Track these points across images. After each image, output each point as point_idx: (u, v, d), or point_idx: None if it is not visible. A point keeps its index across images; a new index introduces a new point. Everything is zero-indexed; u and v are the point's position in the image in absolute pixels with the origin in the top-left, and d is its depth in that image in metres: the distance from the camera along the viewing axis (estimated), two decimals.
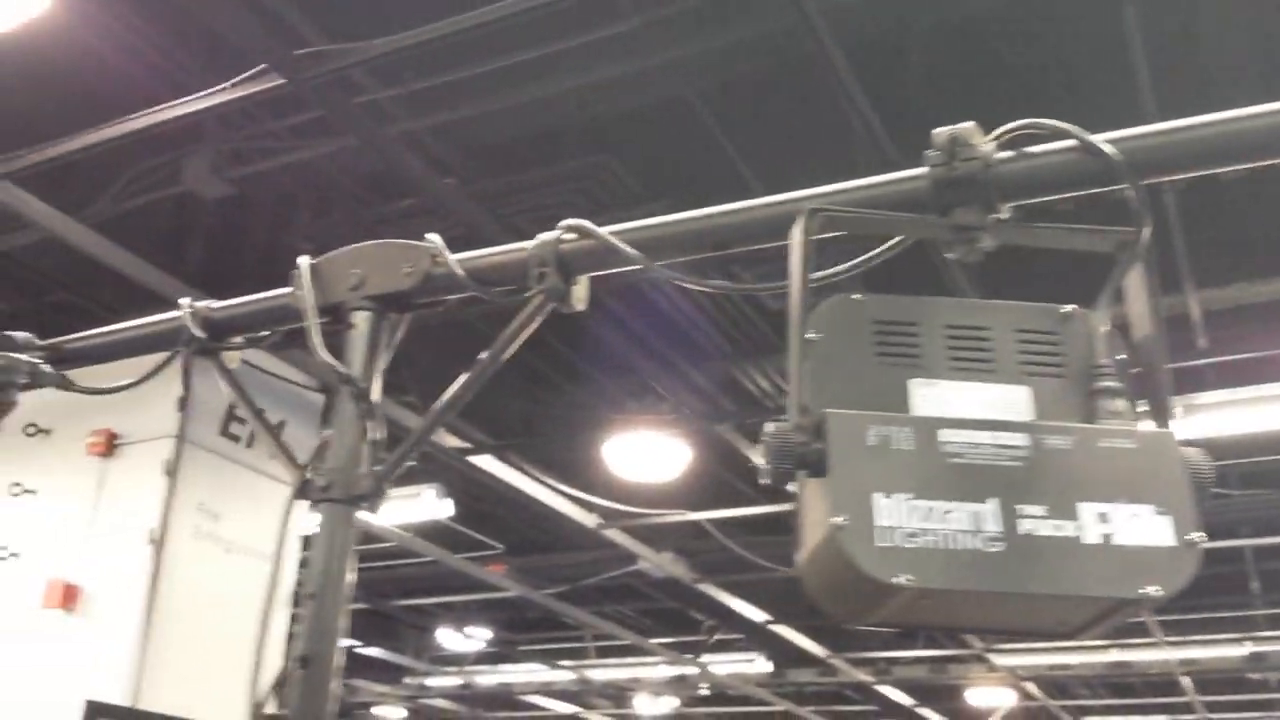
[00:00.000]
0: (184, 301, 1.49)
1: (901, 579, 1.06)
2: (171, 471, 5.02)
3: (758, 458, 1.09)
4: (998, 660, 11.63)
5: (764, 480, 1.09)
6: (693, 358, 5.83)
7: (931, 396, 1.23)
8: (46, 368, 1.54)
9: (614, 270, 1.36)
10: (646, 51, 3.90)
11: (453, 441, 6.57)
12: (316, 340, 1.35)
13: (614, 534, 8.04)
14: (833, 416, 1.15)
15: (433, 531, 8.21)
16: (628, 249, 1.33)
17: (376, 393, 1.37)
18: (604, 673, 13.21)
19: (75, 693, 4.36)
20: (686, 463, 6.76)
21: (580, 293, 1.36)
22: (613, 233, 1.33)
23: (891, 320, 1.27)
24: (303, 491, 1.33)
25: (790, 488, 1.14)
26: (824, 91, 3.85)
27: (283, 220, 4.92)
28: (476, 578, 9.19)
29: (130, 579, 4.89)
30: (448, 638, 11.38)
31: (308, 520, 5.16)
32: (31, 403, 5.55)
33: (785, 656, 11.79)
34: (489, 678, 13.42)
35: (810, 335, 1.19)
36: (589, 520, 7.82)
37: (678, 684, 13.15)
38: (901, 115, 3.97)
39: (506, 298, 1.39)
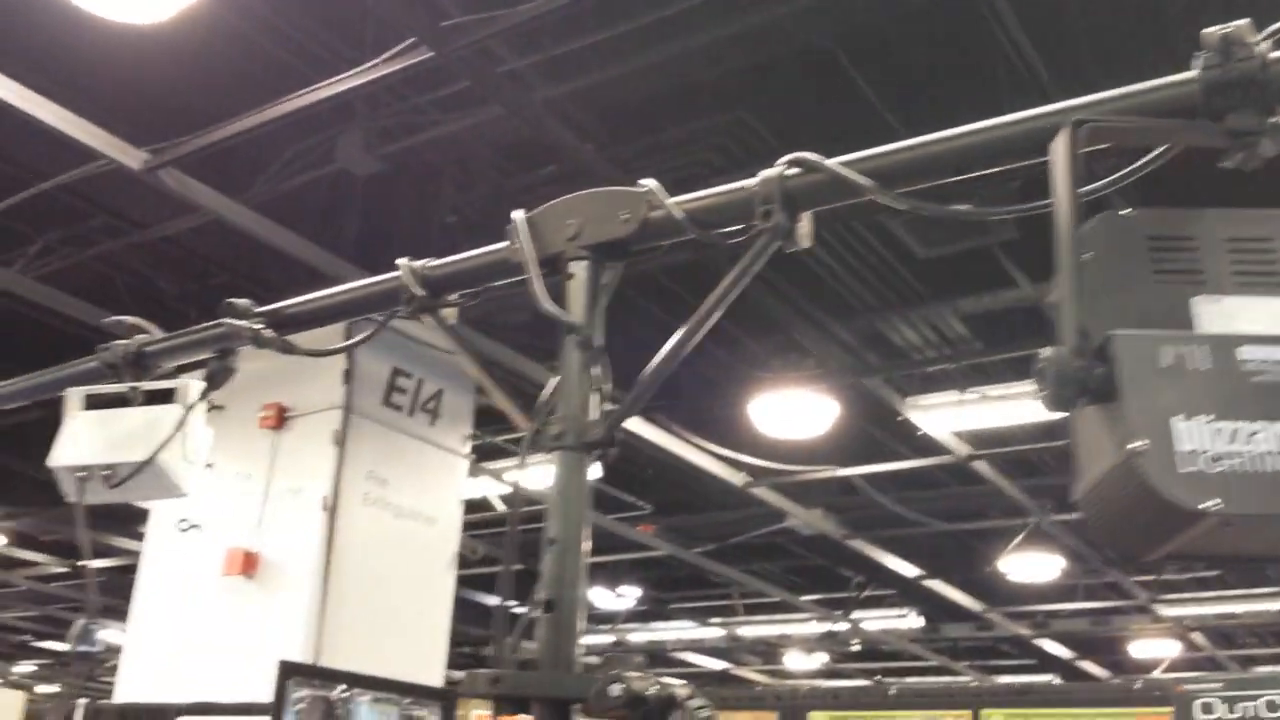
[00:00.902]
0: (402, 261, 1.53)
1: (1209, 505, 1.01)
2: (340, 441, 5.24)
3: (1038, 383, 1.05)
4: (1163, 610, 11.24)
5: (1045, 405, 1.06)
6: (837, 312, 5.75)
7: (1218, 313, 1.15)
8: (268, 333, 1.61)
9: (843, 203, 1.33)
10: (778, 1, 3.83)
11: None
12: (539, 291, 1.38)
13: (761, 492, 8.04)
14: (1121, 338, 1.08)
15: None
16: (859, 178, 1.29)
17: (600, 340, 1.40)
18: (753, 629, 13.27)
19: (260, 654, 4.60)
20: (834, 419, 6.70)
21: (805, 229, 1.34)
22: (841, 164, 1.31)
23: (1168, 235, 1.19)
24: (535, 442, 1.36)
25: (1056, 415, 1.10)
26: (974, 31, 3.73)
27: (429, 194, 5.03)
28: (626, 537, 9.32)
29: (306, 545, 5.13)
30: (600, 596, 11.60)
31: (467, 486, 5.29)
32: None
33: (938, 611, 11.63)
34: (640, 635, 13.64)
35: (1083, 255, 1.13)
36: (736, 479, 7.83)
37: (828, 640, 13.12)
38: (1056, 52, 3.82)
39: (726, 240, 1.39)
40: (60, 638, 15.31)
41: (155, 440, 1.49)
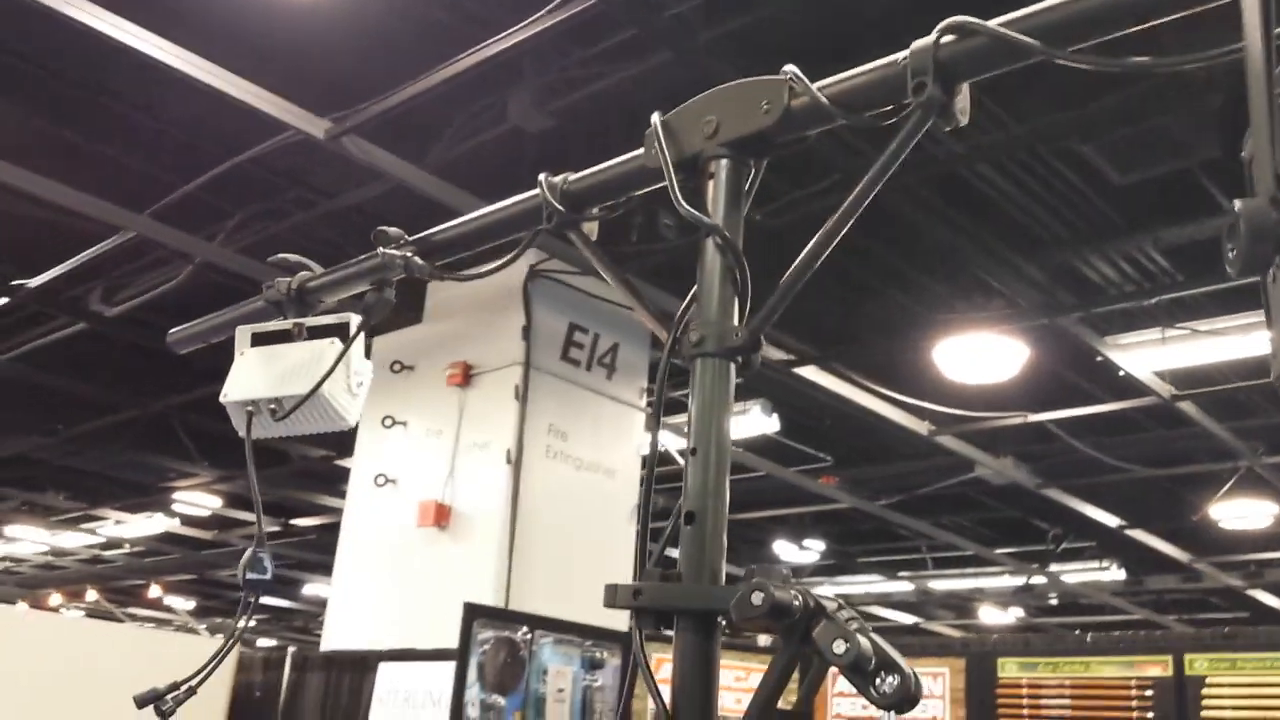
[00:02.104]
0: (542, 177, 1.51)
1: None
2: (521, 396, 5.36)
3: (1229, 242, 0.93)
4: None
5: (1231, 270, 0.94)
6: (1026, 248, 5.48)
7: None
8: (419, 260, 1.61)
9: (1005, 69, 1.22)
10: None
11: (776, 354, 6.58)
12: (678, 195, 1.33)
13: (947, 440, 7.81)
14: None
15: (762, 446, 8.31)
16: (1023, 38, 1.17)
17: (740, 240, 1.34)
18: (944, 584, 12.97)
19: (453, 601, 4.77)
20: (1023, 362, 6.42)
21: (963, 103, 1.23)
22: (1001, 24, 1.20)
23: None
24: (675, 350, 1.31)
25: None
26: None
27: (600, 147, 5.04)
28: (808, 490, 9.24)
29: (493, 496, 5.29)
30: (784, 550, 11.56)
31: (645, 440, 5.33)
32: (396, 341, 6.06)
33: (1142, 563, 11.09)
34: (827, 589, 13.52)
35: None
36: (920, 428, 7.63)
37: (1023, 594, 12.70)
38: None
39: (878, 122, 1.29)
40: (274, 594, 16.36)
41: (318, 373, 1.53)
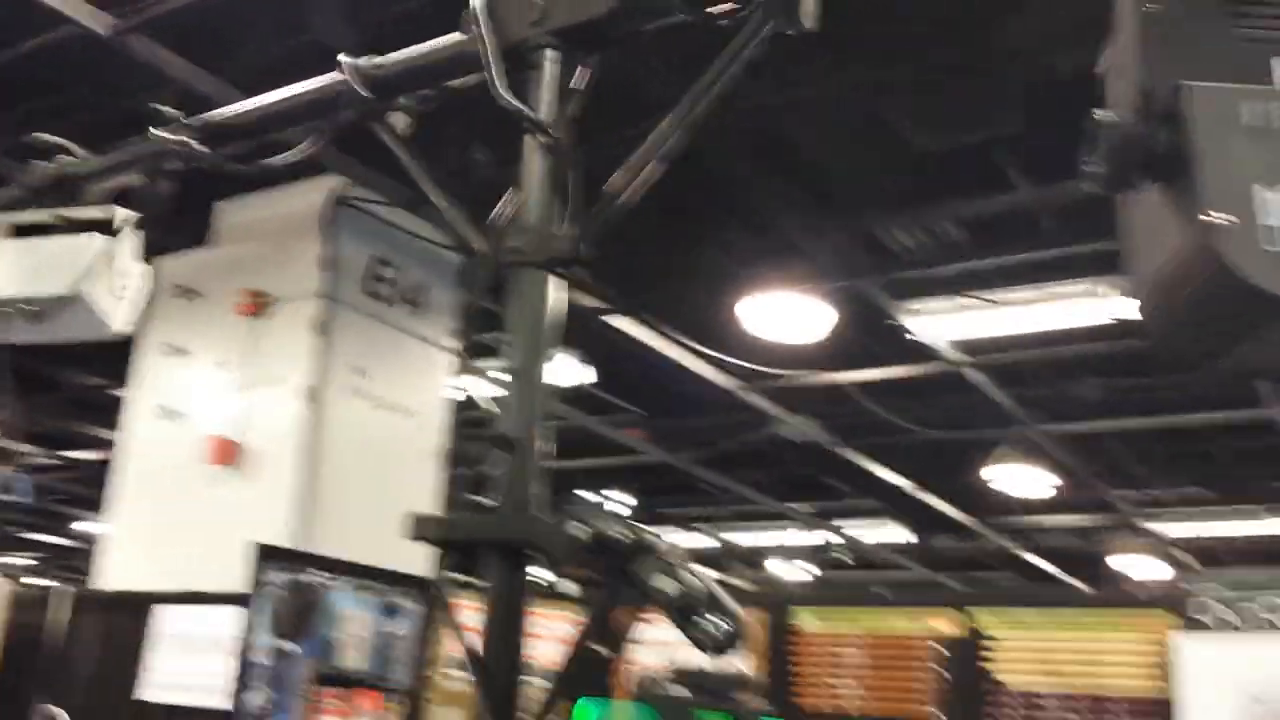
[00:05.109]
0: (344, 58, 1.35)
1: None
2: (321, 329, 5.13)
3: (1089, 157, 0.88)
4: (1151, 526, 11.28)
5: (1091, 187, 0.90)
6: (829, 210, 5.59)
7: None
8: (199, 146, 1.44)
9: None
10: None
11: (588, 301, 6.54)
12: (500, 83, 1.20)
13: (753, 397, 7.97)
14: (1197, 91, 0.88)
15: (574, 397, 8.28)
16: None
17: (568, 141, 1.22)
18: (742, 536, 13.34)
19: (241, 542, 4.56)
20: (827, 323, 6.58)
21: (809, 6, 1.15)
22: None
23: None
24: (490, 260, 1.20)
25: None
26: None
27: None
28: (615, 441, 9.27)
29: (287, 434, 5.06)
30: (588, 501, 11.62)
31: (453, 384, 5.18)
32: (178, 265, 5.71)
33: (927, 523, 11.67)
34: None
35: (1148, 6, 0.94)
36: (728, 383, 7.75)
37: (818, 551, 13.20)
38: None
39: (719, 20, 1.20)
40: (49, 530, 15.39)
41: (77, 271, 1.37)
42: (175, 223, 6.00)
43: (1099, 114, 0.90)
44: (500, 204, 1.26)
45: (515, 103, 1.19)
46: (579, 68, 1.29)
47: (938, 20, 4.17)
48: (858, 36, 4.26)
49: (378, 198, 5.16)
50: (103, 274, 1.39)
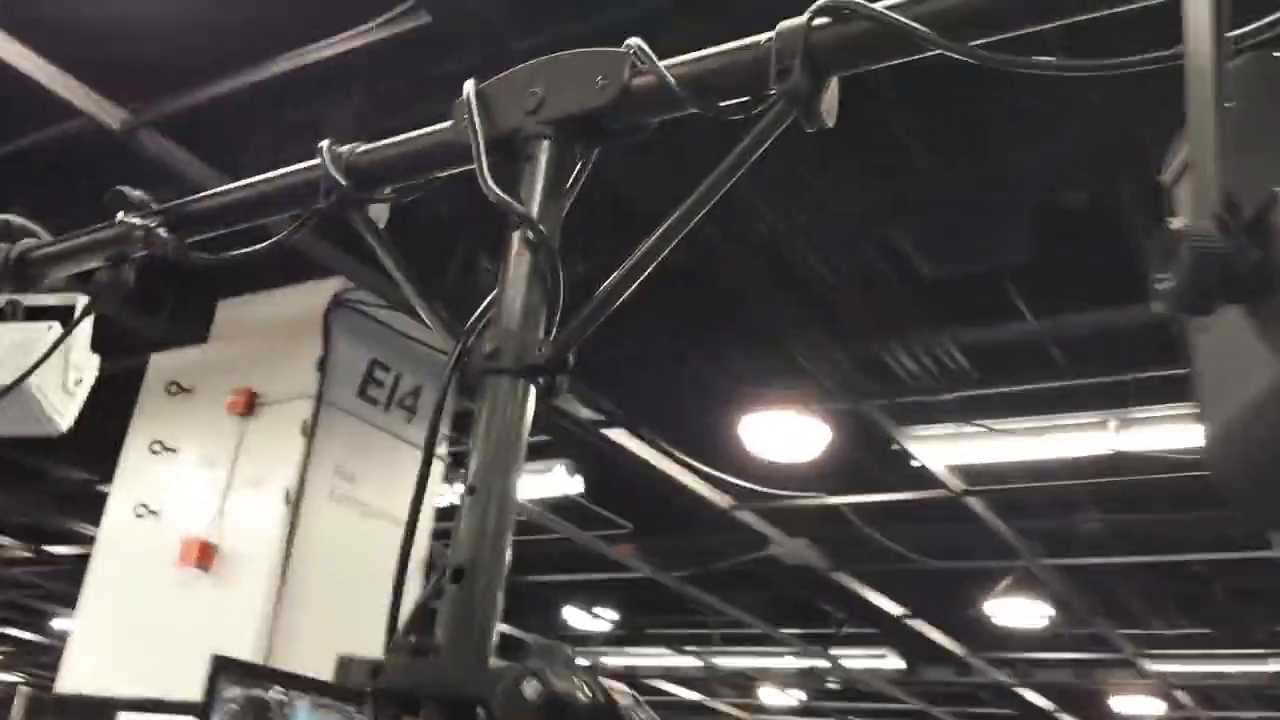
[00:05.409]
0: (323, 145, 1.27)
1: None
2: (309, 432, 5.01)
3: (1161, 272, 0.76)
4: (1148, 666, 11.00)
5: (1162, 308, 0.77)
6: (834, 331, 5.54)
7: None
8: (164, 233, 1.35)
9: (887, 63, 1.06)
10: None
11: (585, 413, 6.45)
12: (486, 175, 1.11)
13: (747, 516, 7.82)
14: None
15: (562, 507, 8.12)
16: (913, 25, 1.00)
17: (555, 240, 1.12)
18: (730, 660, 12.99)
19: (210, 648, 4.37)
20: (825, 444, 6.49)
21: (830, 102, 1.05)
22: (888, 8, 1.04)
23: None
24: (461, 361, 1.08)
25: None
26: None
27: None
28: (605, 557, 9.08)
29: (265, 538, 4.89)
30: (575, 617, 11.33)
31: (441, 490, 5.03)
32: (173, 362, 5.61)
33: (920, 653, 11.38)
34: (616, 659, 13.35)
35: (1230, 102, 0.81)
36: (722, 501, 7.61)
37: (806, 677, 12.84)
38: None
39: (731, 113, 1.12)
40: (26, 626, 15.00)
41: (26, 362, 1.27)
42: (180, 319, 5.97)
43: (1173, 223, 0.79)
44: (483, 304, 1.16)
45: (501, 195, 1.10)
46: (575, 161, 1.21)
47: (948, 148, 4.18)
48: (867, 163, 4.27)
49: (378, 300, 5.10)
50: (54, 367, 1.29)
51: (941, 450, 6.51)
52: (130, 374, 5.64)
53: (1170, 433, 5.74)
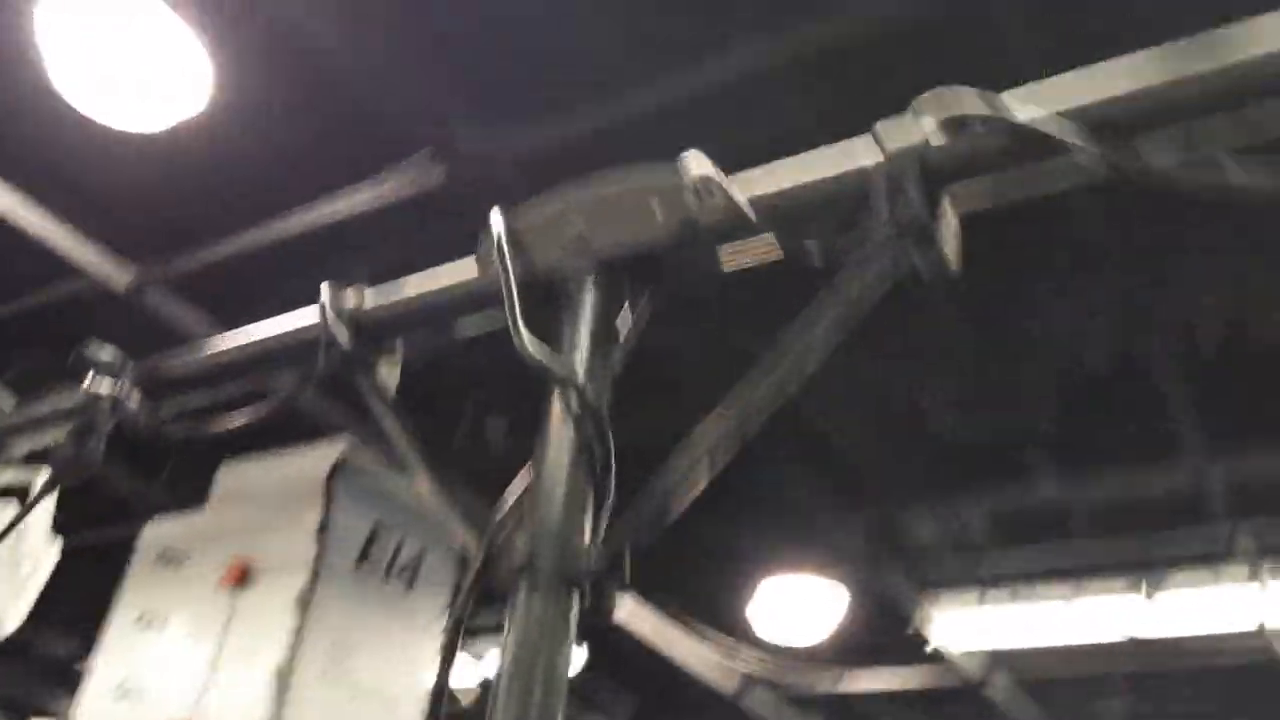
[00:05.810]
0: (325, 293, 1.05)
1: None
2: (303, 605, 4.75)
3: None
4: None
5: None
6: (855, 501, 5.38)
7: None
8: (134, 401, 1.15)
9: (1039, 193, 0.83)
10: None
11: None
12: (519, 326, 0.90)
13: (754, 702, 7.43)
14: None
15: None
16: (1076, 141, 0.75)
17: (606, 405, 0.90)
18: None
19: None
20: (838, 621, 6.24)
21: (951, 240, 0.81)
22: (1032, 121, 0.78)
23: None
24: (486, 570, 0.84)
25: None
26: None
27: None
28: None
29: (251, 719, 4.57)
30: None
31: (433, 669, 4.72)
32: (166, 530, 5.37)
33: None
34: None
35: None
36: (727, 684, 7.24)
37: None
38: None
39: (819, 254, 0.90)
40: None
41: None
42: (182, 482, 5.75)
43: None
44: (510, 489, 0.92)
45: (538, 356, 0.87)
46: (626, 309, 0.98)
47: (972, 310, 4.13)
48: (893, 326, 4.21)
49: (383, 461, 4.93)
50: (4, 560, 1.10)
51: (960, 625, 6.24)
52: (126, 541, 5.38)
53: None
